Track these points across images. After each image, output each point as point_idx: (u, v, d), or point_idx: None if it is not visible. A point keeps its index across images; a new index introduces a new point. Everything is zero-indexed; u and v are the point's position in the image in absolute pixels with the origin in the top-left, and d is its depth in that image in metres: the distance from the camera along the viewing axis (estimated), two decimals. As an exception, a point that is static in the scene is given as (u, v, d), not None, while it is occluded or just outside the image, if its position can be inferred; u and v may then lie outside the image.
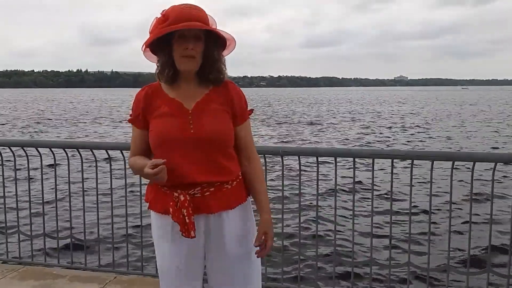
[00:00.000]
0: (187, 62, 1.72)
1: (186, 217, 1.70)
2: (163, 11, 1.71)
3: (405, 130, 22.60)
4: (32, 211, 3.50)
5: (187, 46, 1.69)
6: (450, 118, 30.00)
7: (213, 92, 1.80)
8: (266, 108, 44.16)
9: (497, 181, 8.04)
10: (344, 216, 5.61)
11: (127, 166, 3.17)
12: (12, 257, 3.61)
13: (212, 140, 1.73)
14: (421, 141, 18.13)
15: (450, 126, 24.37)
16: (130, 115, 1.87)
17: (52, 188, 3.58)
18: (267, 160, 2.99)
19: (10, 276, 3.23)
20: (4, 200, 3.59)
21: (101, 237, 3.45)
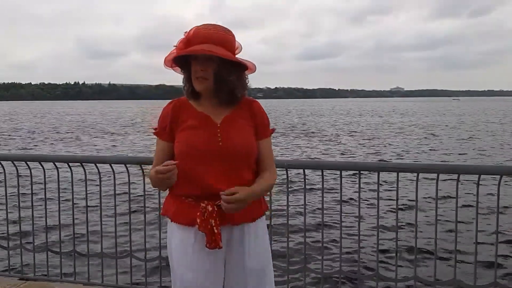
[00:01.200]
0: (199, 83, 1.78)
1: (215, 228, 1.72)
2: (186, 32, 1.79)
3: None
4: (35, 224, 3.46)
5: (197, 68, 1.76)
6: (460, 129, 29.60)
7: (238, 108, 1.87)
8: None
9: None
10: (349, 229, 5.55)
11: (131, 181, 3.20)
12: (14, 272, 3.56)
13: (240, 153, 1.79)
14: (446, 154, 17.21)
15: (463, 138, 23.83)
16: (155, 128, 1.91)
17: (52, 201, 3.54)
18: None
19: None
20: (7, 214, 3.56)
21: (104, 251, 3.39)
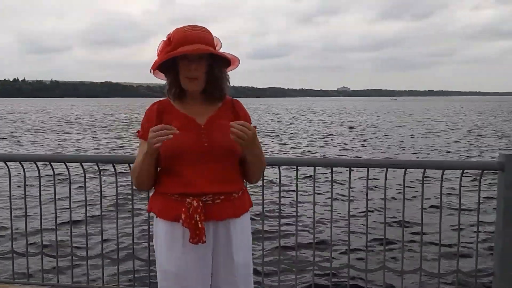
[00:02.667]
0: (191, 83, 1.79)
1: (199, 222, 1.74)
2: (168, 34, 1.79)
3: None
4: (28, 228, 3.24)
5: (190, 68, 1.76)
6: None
7: (222, 109, 1.90)
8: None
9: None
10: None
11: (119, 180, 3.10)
12: (4, 278, 3.37)
13: (225, 153, 1.81)
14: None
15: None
16: (138, 131, 1.90)
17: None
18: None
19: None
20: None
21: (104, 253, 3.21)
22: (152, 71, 1.83)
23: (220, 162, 1.81)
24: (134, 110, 71.35)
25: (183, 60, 1.76)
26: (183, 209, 1.75)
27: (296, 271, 3.05)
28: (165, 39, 1.80)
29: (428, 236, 5.46)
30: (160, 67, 1.84)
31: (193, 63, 1.76)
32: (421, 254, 2.86)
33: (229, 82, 1.89)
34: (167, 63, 1.80)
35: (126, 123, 34.91)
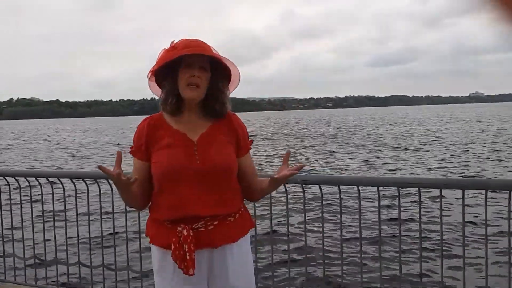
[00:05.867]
0: (192, 90, 1.74)
1: (187, 253, 1.69)
2: (172, 41, 1.78)
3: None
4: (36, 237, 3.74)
5: (193, 73, 1.72)
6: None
7: (217, 123, 1.84)
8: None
9: None
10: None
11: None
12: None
13: (219, 171, 1.75)
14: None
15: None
16: (131, 147, 1.86)
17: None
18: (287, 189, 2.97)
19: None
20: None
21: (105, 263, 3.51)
22: (149, 75, 1.79)
23: (214, 182, 1.74)
24: (255, 123, 74.23)
25: (186, 66, 1.74)
26: (174, 239, 1.71)
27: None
28: (167, 47, 1.78)
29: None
30: (157, 77, 1.80)
31: (196, 70, 1.73)
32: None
33: (228, 100, 1.85)
34: (167, 71, 1.76)
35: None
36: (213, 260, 1.78)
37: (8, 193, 3.75)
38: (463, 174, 14.19)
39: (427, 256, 5.94)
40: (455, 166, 16.00)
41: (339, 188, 2.76)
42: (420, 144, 25.21)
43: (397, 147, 23.92)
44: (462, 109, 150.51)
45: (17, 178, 3.69)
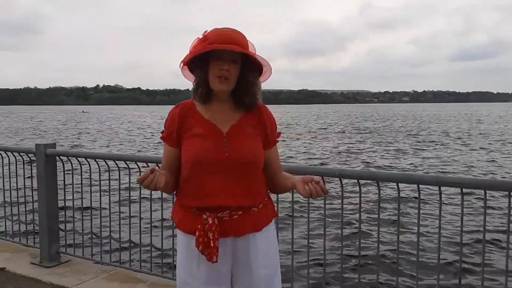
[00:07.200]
0: (221, 83, 1.75)
1: (212, 241, 1.74)
2: (205, 31, 1.78)
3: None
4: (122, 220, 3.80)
5: (223, 67, 1.73)
6: None
7: (246, 115, 1.86)
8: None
9: None
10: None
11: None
12: (104, 261, 3.95)
13: (246, 163, 1.78)
14: None
15: None
16: (162, 132, 1.90)
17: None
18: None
19: (101, 277, 3.72)
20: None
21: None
22: (181, 65, 1.80)
23: (241, 173, 1.78)
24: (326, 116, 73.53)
25: (216, 59, 1.74)
26: (199, 226, 1.76)
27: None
28: (200, 36, 1.78)
29: None
30: (190, 65, 1.81)
31: (225, 63, 1.73)
32: None
33: (260, 92, 1.87)
34: (198, 62, 1.78)
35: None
36: (237, 249, 1.82)
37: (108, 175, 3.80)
38: None
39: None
40: None
41: (377, 184, 2.77)
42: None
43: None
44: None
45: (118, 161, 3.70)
